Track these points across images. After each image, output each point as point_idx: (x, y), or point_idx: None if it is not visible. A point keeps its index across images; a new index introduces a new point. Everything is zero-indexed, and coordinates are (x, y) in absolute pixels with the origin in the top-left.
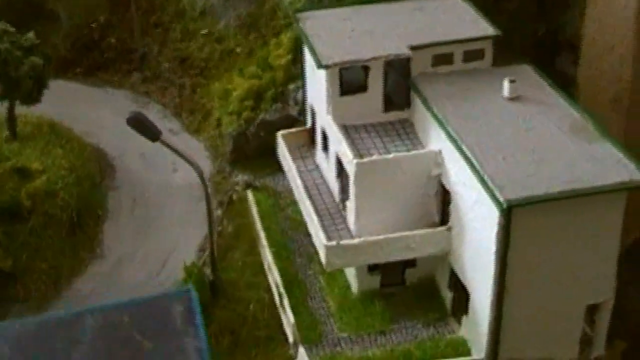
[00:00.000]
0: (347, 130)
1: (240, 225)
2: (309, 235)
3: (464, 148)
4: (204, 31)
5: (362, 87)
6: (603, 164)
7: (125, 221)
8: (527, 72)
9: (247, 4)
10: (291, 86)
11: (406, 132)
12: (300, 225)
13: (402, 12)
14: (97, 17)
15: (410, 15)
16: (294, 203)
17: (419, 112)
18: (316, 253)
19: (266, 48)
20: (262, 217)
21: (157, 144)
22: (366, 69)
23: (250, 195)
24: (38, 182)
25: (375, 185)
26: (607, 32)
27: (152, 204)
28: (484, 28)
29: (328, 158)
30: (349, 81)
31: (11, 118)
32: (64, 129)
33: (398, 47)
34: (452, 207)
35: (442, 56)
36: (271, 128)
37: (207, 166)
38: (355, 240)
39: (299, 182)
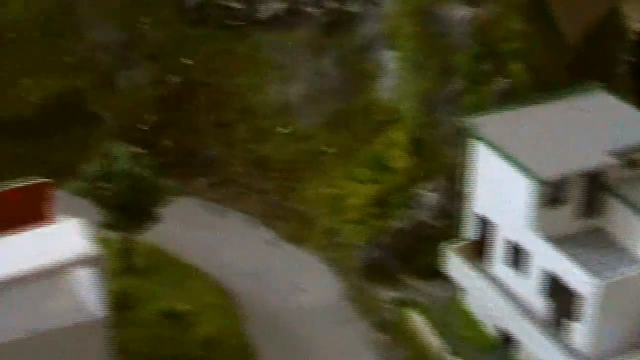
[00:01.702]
0: (555, 243)
1: (414, 347)
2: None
3: None
4: (283, 130)
5: (563, 198)
6: None
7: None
8: None
9: (334, 100)
10: (416, 189)
11: (609, 242)
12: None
13: (569, 113)
14: (145, 118)
15: (581, 116)
16: (461, 317)
17: (621, 219)
18: None
19: (369, 148)
20: (444, 338)
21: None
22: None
23: (413, 314)
24: (202, 328)
25: (614, 305)
26: None
27: (292, 333)
28: None
29: (523, 273)
30: (551, 192)
31: (128, 248)
32: (168, 254)
33: (602, 156)
34: None
35: (634, 160)
36: (404, 237)
37: (334, 282)
38: None
39: (498, 298)
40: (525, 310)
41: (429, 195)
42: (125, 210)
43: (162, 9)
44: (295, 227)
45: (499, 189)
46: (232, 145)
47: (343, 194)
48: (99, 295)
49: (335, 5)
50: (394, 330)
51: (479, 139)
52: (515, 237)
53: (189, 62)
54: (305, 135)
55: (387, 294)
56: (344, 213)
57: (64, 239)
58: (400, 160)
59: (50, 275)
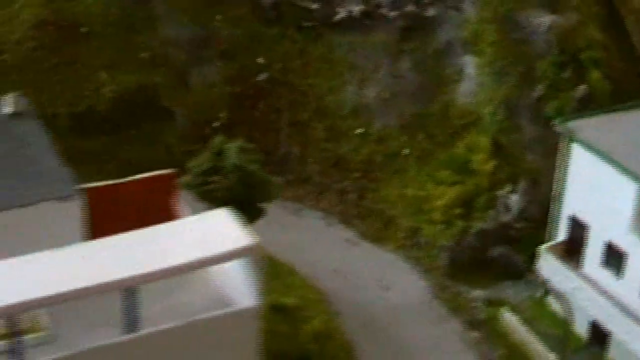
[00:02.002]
0: None
1: (507, 345)
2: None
3: None
4: (359, 131)
5: None
6: None
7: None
8: None
9: (411, 103)
10: (499, 192)
11: None
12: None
13: None
14: (217, 115)
15: None
16: (549, 316)
17: None
18: None
19: (450, 151)
20: (542, 339)
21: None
22: None
23: (503, 312)
24: (311, 324)
25: None
26: None
27: (386, 331)
28: None
29: (620, 273)
30: None
31: None
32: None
33: None
34: None
35: None
36: (487, 237)
37: (419, 281)
38: None
39: (596, 297)
40: (624, 309)
41: (512, 198)
42: (234, 206)
43: (237, 7)
44: (374, 226)
45: (595, 191)
46: (307, 144)
47: (426, 195)
48: (251, 285)
49: (414, 9)
50: (486, 329)
51: (577, 141)
52: (612, 238)
53: (263, 61)
54: (381, 137)
55: (474, 293)
56: (427, 213)
57: (218, 229)
58: (483, 163)
59: (209, 264)
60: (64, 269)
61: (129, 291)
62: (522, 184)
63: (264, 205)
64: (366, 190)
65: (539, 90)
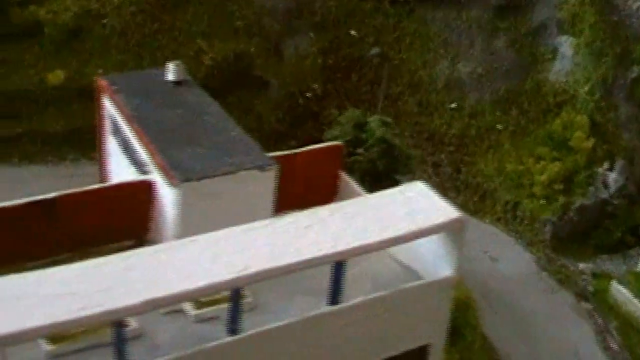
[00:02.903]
0: None
1: (620, 316)
2: None
3: None
4: (452, 105)
5: None
6: None
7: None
8: None
9: (504, 79)
10: (597, 169)
11: None
12: None
13: None
14: (310, 86)
15: None
16: None
17: None
18: None
19: (546, 127)
20: None
21: None
22: None
23: (611, 284)
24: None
25: None
26: None
27: (501, 299)
28: None
29: None
30: None
31: None
32: None
33: None
34: None
35: None
36: (586, 213)
37: (524, 253)
38: None
39: None
40: None
41: (610, 175)
42: (375, 178)
43: None
44: (470, 199)
45: None
46: (400, 117)
47: (525, 170)
48: (450, 256)
49: None
50: (596, 300)
51: None
52: None
53: (356, 34)
54: (474, 112)
55: (579, 265)
56: (528, 188)
57: (421, 201)
58: (581, 140)
59: (419, 236)
60: (281, 240)
61: (338, 264)
62: (619, 162)
63: (401, 177)
64: (460, 164)
65: (635, 71)
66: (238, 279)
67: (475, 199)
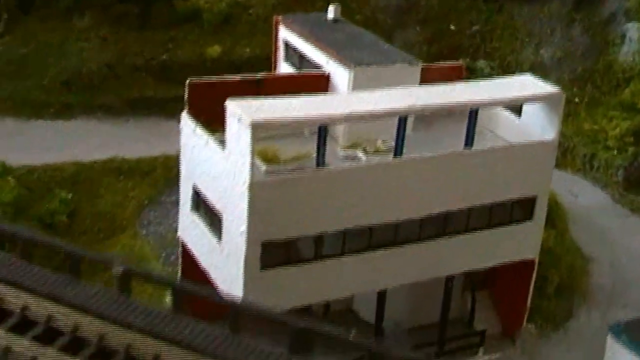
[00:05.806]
0: None
1: None
2: None
3: None
4: None
5: None
6: None
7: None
8: None
9: (580, 61)
10: None
11: None
12: None
13: None
14: None
15: None
16: None
17: None
18: None
19: (617, 96)
20: None
21: None
22: None
23: None
24: None
25: None
26: None
27: (588, 222)
28: None
29: None
30: None
31: None
32: None
33: None
34: None
35: None
36: None
37: (600, 191)
38: None
39: None
40: None
41: None
42: None
43: None
44: None
45: None
46: None
47: (600, 128)
48: (553, 124)
49: None
50: None
51: None
52: None
53: (455, 28)
54: None
55: None
56: (602, 142)
57: (529, 83)
58: None
59: (530, 101)
60: (435, 93)
61: (473, 112)
62: None
63: None
64: None
65: None
66: (413, 106)
67: (557, 155)
